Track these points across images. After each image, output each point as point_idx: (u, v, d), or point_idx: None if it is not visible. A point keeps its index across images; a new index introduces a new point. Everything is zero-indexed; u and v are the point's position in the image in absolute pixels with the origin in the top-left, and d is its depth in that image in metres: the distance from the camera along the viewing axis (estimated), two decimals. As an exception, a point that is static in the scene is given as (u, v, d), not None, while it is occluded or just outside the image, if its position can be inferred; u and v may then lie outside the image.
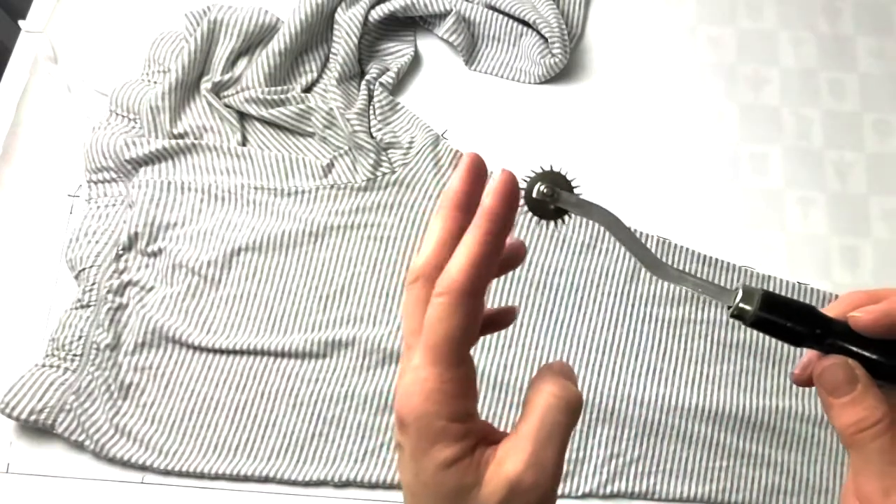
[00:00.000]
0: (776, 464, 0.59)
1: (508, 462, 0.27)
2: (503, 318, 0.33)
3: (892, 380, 0.31)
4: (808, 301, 0.63)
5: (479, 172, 0.29)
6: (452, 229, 0.28)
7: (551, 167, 0.31)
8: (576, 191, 0.31)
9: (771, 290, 0.63)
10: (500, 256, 0.28)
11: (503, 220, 0.27)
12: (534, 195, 0.30)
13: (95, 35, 0.72)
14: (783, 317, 0.30)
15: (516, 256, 0.32)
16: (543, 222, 0.31)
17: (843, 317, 0.31)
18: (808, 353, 0.33)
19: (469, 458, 0.27)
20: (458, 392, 0.27)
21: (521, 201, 0.29)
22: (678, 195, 0.67)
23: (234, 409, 0.59)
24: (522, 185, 0.30)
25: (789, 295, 0.64)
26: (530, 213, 0.31)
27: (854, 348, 0.30)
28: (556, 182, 0.30)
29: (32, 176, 0.67)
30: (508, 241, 0.29)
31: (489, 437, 0.28)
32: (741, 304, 0.30)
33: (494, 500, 0.26)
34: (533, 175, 0.31)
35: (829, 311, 0.32)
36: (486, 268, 0.27)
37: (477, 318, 0.27)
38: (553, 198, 0.30)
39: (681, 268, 0.64)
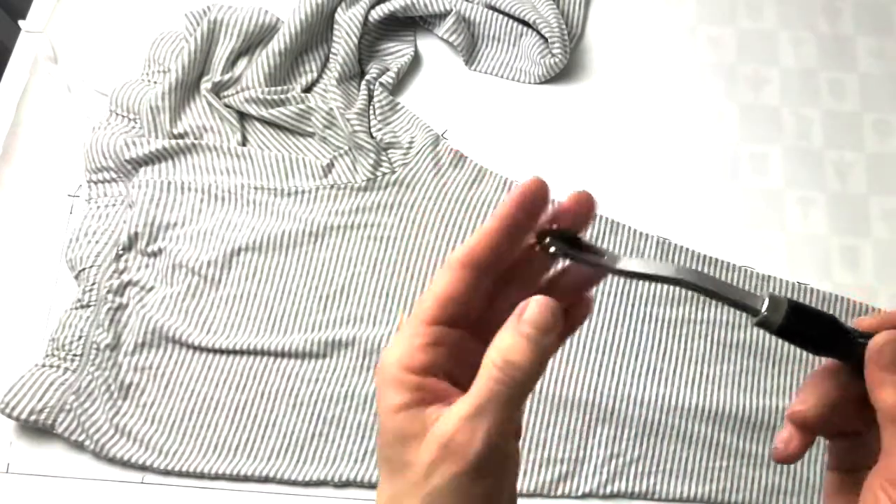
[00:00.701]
0: (776, 464, 0.59)
1: (443, 421, 0.27)
2: (574, 312, 0.33)
3: None
4: (807, 301, 0.63)
5: (535, 193, 0.30)
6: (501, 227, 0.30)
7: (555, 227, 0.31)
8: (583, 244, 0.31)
9: (771, 290, 0.63)
10: (512, 246, 0.30)
11: (516, 205, 0.29)
12: (545, 243, 0.30)
13: (95, 35, 0.72)
14: (810, 325, 0.31)
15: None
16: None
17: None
18: (787, 428, 0.33)
19: (417, 409, 0.28)
20: (423, 347, 0.29)
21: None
22: (678, 195, 0.67)
23: (234, 409, 0.59)
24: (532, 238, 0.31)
25: (789, 295, 0.63)
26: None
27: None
28: (564, 241, 0.30)
29: (32, 176, 0.67)
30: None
31: (449, 399, 0.29)
32: (766, 313, 0.30)
33: (427, 454, 0.27)
34: (545, 232, 0.31)
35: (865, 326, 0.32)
36: (488, 248, 0.29)
37: (467, 289, 0.29)
38: (566, 256, 0.30)
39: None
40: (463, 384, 0.29)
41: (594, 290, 0.32)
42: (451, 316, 0.29)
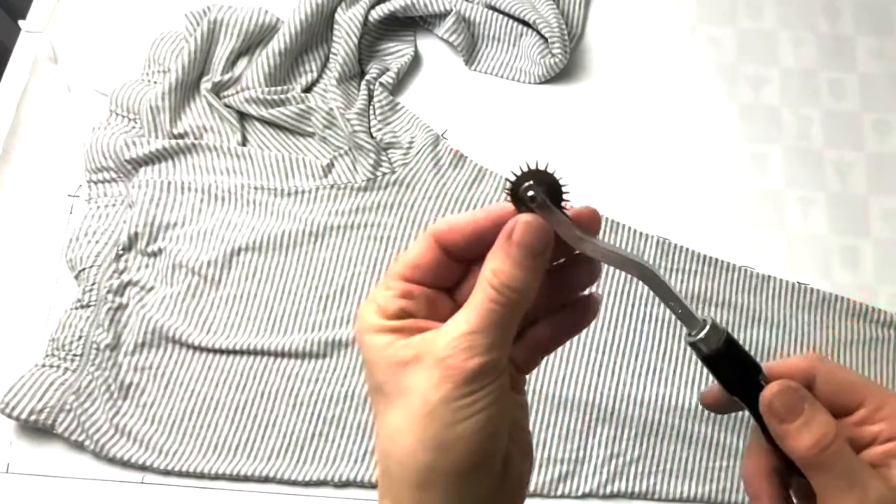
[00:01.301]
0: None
1: (440, 339, 0.28)
2: (578, 307, 0.33)
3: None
4: (807, 301, 0.63)
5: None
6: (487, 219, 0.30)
7: (546, 167, 0.29)
8: (564, 196, 0.30)
9: (770, 290, 0.63)
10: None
11: (498, 220, 0.29)
12: (519, 193, 0.29)
13: (95, 35, 0.72)
14: (735, 367, 0.31)
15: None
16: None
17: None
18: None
19: (404, 341, 0.29)
20: (395, 295, 0.29)
21: (506, 196, 0.30)
22: (678, 195, 0.67)
23: (234, 409, 0.59)
24: (511, 177, 0.30)
25: (789, 295, 0.64)
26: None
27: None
28: (547, 185, 0.29)
29: (32, 176, 0.67)
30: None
31: (430, 328, 0.29)
32: (704, 337, 0.30)
33: (425, 374, 0.27)
34: (524, 171, 0.29)
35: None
36: (462, 238, 0.29)
37: (436, 262, 0.30)
38: (540, 206, 0.29)
39: (678, 267, 0.64)
40: None
41: (597, 288, 0.32)
42: (421, 279, 0.30)
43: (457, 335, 0.27)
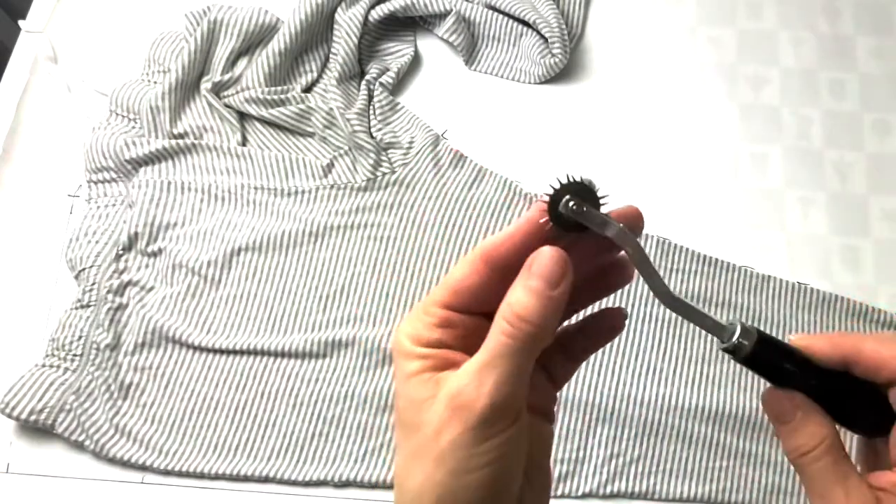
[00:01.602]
0: (776, 464, 0.59)
1: (453, 378, 0.27)
2: (603, 323, 0.33)
3: (857, 424, 0.32)
4: (807, 301, 0.63)
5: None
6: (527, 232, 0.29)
7: (581, 178, 0.29)
8: (602, 204, 0.29)
9: (770, 290, 0.63)
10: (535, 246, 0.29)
11: (531, 223, 0.29)
12: (560, 209, 0.29)
13: (95, 35, 0.72)
14: (774, 359, 0.31)
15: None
16: (563, 235, 0.30)
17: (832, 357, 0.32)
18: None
19: (430, 373, 0.28)
20: (432, 326, 0.29)
21: (545, 216, 0.29)
22: (678, 195, 0.67)
23: (234, 409, 0.59)
24: (547, 195, 0.29)
25: (789, 295, 0.64)
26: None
27: (829, 395, 0.31)
28: (585, 196, 0.29)
29: (32, 176, 0.67)
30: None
31: (462, 363, 0.29)
32: (737, 341, 0.31)
33: (437, 412, 0.27)
34: (562, 184, 0.29)
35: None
36: (512, 249, 0.28)
37: (483, 283, 0.29)
38: (582, 216, 0.29)
39: (678, 267, 0.64)
40: None
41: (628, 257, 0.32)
42: (463, 304, 0.29)
43: (469, 371, 0.27)
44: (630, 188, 0.67)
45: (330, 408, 0.60)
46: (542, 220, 0.29)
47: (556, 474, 0.59)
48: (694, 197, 0.68)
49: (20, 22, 0.72)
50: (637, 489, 0.58)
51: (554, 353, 0.32)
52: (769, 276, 0.64)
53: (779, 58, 0.73)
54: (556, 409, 0.59)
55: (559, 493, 0.58)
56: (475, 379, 0.27)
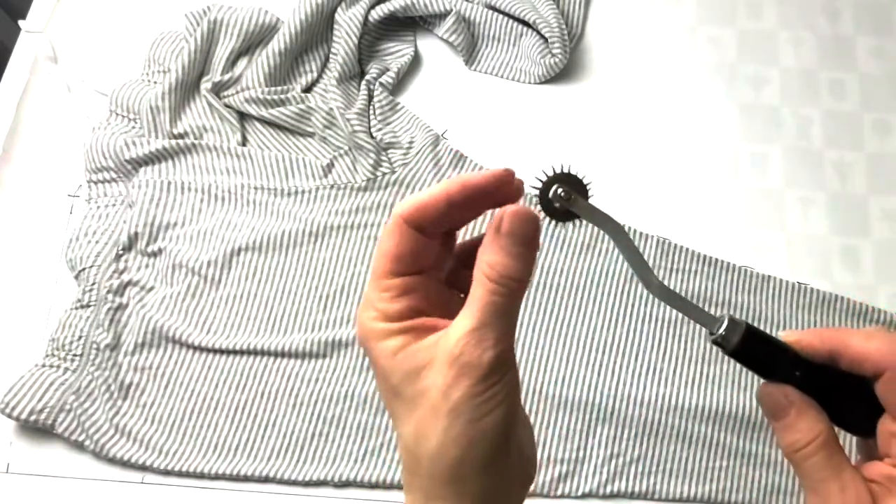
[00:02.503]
0: (776, 464, 0.59)
1: (449, 340, 0.28)
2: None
3: (848, 424, 0.32)
4: (808, 301, 0.63)
5: (504, 181, 0.30)
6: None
7: (568, 168, 0.31)
8: (590, 194, 0.31)
9: (770, 290, 0.63)
10: (458, 222, 0.31)
11: (472, 192, 0.29)
12: (549, 196, 0.31)
13: (95, 35, 0.72)
14: (762, 352, 0.32)
15: (515, 192, 0.33)
16: (552, 222, 0.32)
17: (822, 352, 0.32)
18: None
19: (415, 344, 0.29)
20: (395, 295, 0.30)
21: (535, 201, 0.31)
22: (678, 195, 0.67)
23: (234, 409, 0.59)
24: (537, 184, 0.31)
25: (789, 295, 0.64)
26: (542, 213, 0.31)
27: (816, 389, 0.32)
28: (572, 185, 0.31)
29: (32, 176, 0.67)
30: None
31: (439, 326, 0.30)
32: (724, 333, 0.31)
33: (441, 375, 0.28)
34: (550, 175, 0.31)
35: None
36: (434, 213, 0.30)
37: (416, 247, 0.30)
38: (569, 202, 0.31)
39: (678, 267, 0.64)
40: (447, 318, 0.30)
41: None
42: (408, 267, 0.30)
43: (466, 332, 0.28)
44: (630, 188, 0.67)
45: (330, 408, 0.60)
46: (535, 209, 0.30)
47: (556, 474, 0.59)
48: (694, 197, 0.68)
49: (20, 22, 0.72)
50: (637, 489, 0.58)
51: (461, 269, 0.34)
52: (769, 276, 0.64)
53: (779, 58, 0.73)
54: (531, 397, 0.59)
55: (559, 493, 0.58)
56: (473, 339, 0.28)
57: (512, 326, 0.29)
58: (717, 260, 0.64)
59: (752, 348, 0.32)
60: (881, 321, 0.63)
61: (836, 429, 0.32)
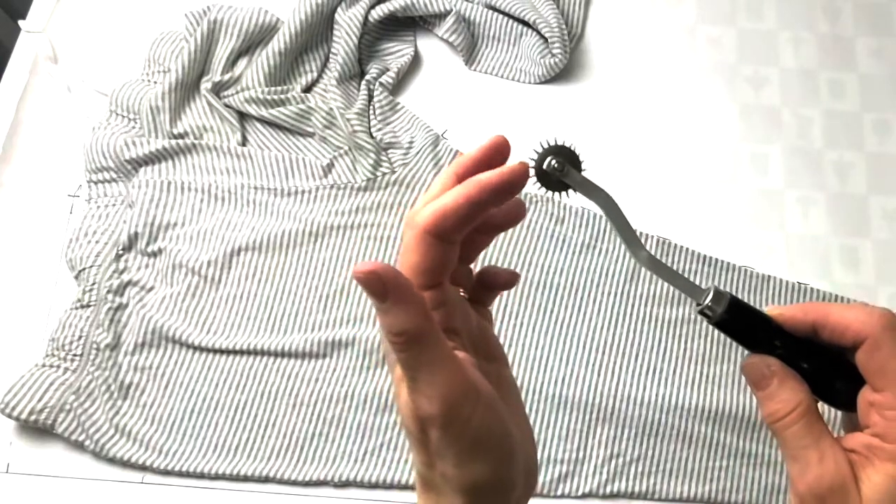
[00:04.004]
0: (776, 464, 0.59)
1: (405, 402, 0.29)
2: (504, 279, 0.36)
3: (830, 397, 0.33)
4: (807, 301, 0.63)
5: (498, 150, 0.31)
6: (448, 189, 0.31)
7: (564, 142, 0.32)
8: (583, 167, 0.33)
9: (770, 290, 0.63)
10: (479, 219, 0.30)
11: (491, 191, 0.30)
12: (544, 167, 0.32)
13: (95, 35, 0.72)
14: (745, 323, 0.33)
15: (515, 219, 0.34)
16: (547, 193, 0.33)
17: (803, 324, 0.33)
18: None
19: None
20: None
21: (531, 172, 0.31)
22: (678, 195, 0.67)
23: (234, 409, 0.59)
24: (533, 155, 0.32)
25: (789, 295, 0.64)
26: (537, 186, 0.33)
27: (799, 360, 0.33)
28: (566, 157, 0.32)
29: (32, 176, 0.67)
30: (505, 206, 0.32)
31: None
32: (710, 304, 0.32)
33: (410, 428, 0.29)
34: (545, 147, 0.32)
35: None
36: (456, 219, 0.29)
37: (442, 257, 0.30)
38: (562, 173, 0.32)
39: (679, 268, 0.64)
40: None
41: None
42: (435, 280, 0.30)
43: (405, 398, 0.29)
44: (630, 188, 0.67)
45: (330, 408, 0.60)
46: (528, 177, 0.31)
47: (556, 474, 0.59)
48: (694, 197, 0.68)
49: (20, 22, 0.72)
50: (637, 489, 0.58)
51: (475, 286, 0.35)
52: (769, 276, 0.64)
53: (779, 58, 0.73)
54: (532, 397, 0.59)
55: (559, 493, 0.58)
56: (408, 400, 0.28)
57: (448, 373, 0.28)
58: (717, 260, 0.64)
59: (736, 319, 0.33)
60: (881, 321, 0.63)
61: (822, 405, 0.33)
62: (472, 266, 0.35)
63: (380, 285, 0.27)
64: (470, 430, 0.28)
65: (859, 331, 0.31)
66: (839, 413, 0.35)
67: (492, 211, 0.31)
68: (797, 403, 0.32)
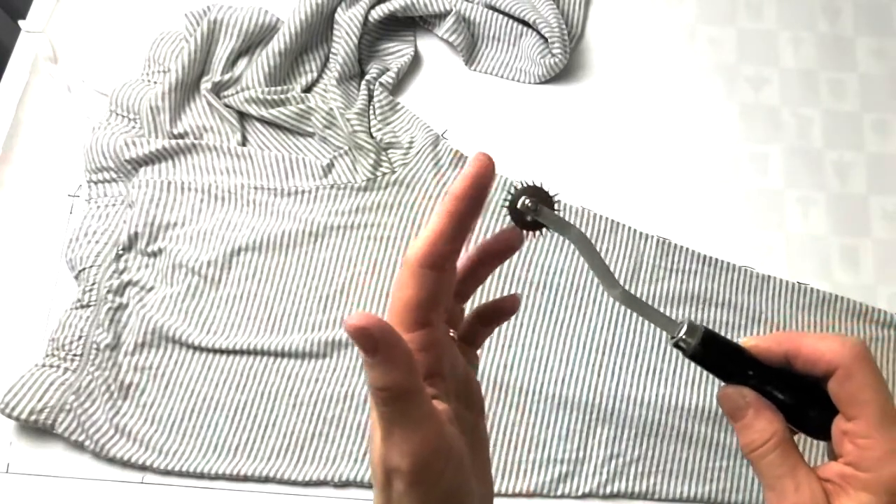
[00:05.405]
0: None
1: (376, 451, 0.29)
2: (507, 307, 0.37)
3: (805, 426, 0.33)
4: (808, 301, 0.63)
5: (484, 174, 0.30)
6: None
7: (539, 184, 0.34)
8: (556, 207, 0.33)
9: (770, 290, 0.64)
10: (467, 234, 0.30)
11: (468, 202, 0.30)
12: (518, 206, 0.33)
13: (95, 35, 0.72)
14: (719, 355, 0.33)
15: (511, 247, 0.34)
16: (524, 231, 0.34)
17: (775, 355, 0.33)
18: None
19: None
20: (415, 350, 0.30)
21: (506, 211, 0.33)
22: (678, 195, 0.67)
23: (234, 409, 0.59)
24: (508, 197, 0.33)
25: (789, 295, 0.64)
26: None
27: (773, 391, 0.33)
28: (540, 197, 0.33)
29: (32, 176, 0.67)
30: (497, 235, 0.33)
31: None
32: (684, 336, 0.33)
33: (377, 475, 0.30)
34: (519, 188, 0.33)
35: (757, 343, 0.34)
36: (445, 243, 0.30)
37: (437, 289, 0.30)
38: (535, 212, 0.33)
39: (678, 267, 0.64)
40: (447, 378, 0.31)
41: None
42: (428, 315, 0.31)
43: (377, 444, 0.29)
44: (630, 188, 0.67)
45: (330, 408, 0.60)
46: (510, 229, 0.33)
47: (556, 474, 0.59)
48: (694, 197, 0.68)
49: (20, 22, 0.72)
50: (637, 489, 0.58)
51: (470, 326, 0.36)
52: (769, 276, 0.64)
53: (779, 58, 0.73)
54: (532, 397, 0.59)
55: (559, 493, 0.58)
56: (380, 455, 0.29)
57: (425, 432, 0.28)
58: (717, 260, 0.64)
59: (710, 351, 0.33)
60: (881, 321, 0.63)
61: (799, 435, 0.33)
62: (463, 307, 0.36)
63: (370, 341, 0.27)
64: (437, 489, 0.29)
65: (831, 361, 0.31)
66: (821, 445, 0.35)
67: (489, 241, 0.33)
68: (772, 433, 0.32)
